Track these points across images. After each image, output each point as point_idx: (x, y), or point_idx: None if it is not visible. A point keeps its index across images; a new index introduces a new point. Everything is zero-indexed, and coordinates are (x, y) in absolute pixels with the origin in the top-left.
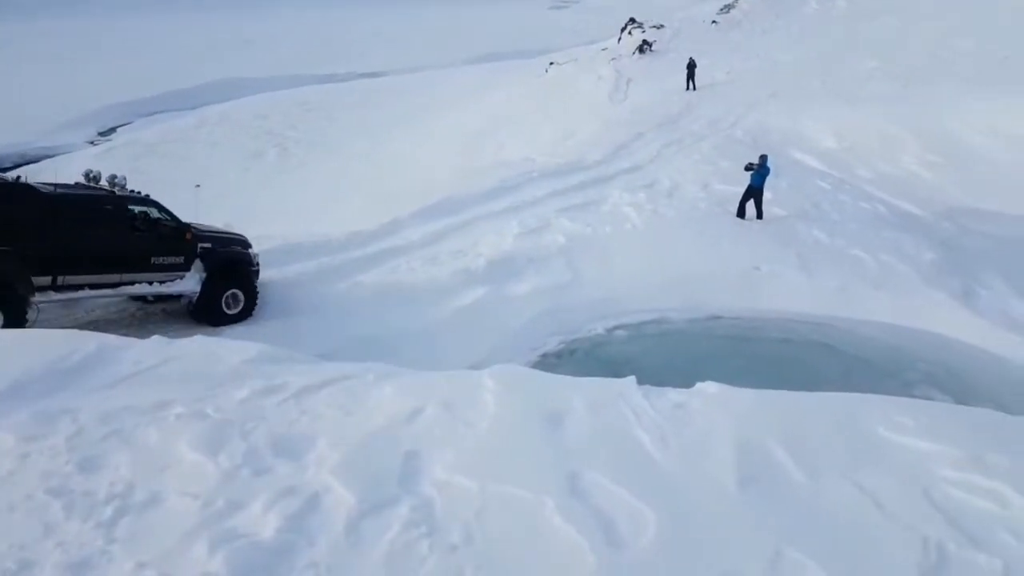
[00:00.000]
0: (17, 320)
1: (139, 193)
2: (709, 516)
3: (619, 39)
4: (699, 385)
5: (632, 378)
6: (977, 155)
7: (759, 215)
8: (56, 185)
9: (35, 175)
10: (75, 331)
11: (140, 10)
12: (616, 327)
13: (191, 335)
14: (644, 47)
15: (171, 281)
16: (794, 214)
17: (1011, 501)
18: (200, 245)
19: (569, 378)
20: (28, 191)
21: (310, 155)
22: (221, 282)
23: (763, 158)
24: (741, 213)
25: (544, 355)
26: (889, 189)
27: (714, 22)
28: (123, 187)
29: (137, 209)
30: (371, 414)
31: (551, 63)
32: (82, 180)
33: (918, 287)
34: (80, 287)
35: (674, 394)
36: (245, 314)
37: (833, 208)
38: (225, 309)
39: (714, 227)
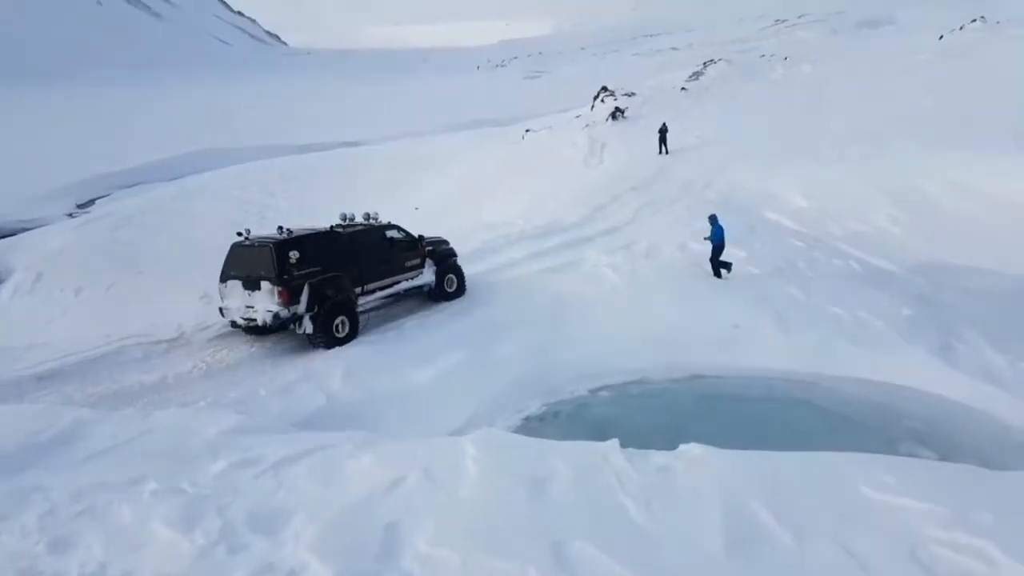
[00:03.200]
0: (354, 325)
1: (386, 221)
2: None
3: (592, 106)
4: (683, 447)
5: (615, 441)
6: (943, 211)
7: (715, 272)
8: (334, 226)
9: (13, 249)
10: (50, 406)
11: (117, 82)
12: (599, 388)
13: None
14: (617, 114)
15: (417, 276)
16: (769, 272)
17: (997, 560)
18: (426, 248)
19: (552, 442)
20: (335, 234)
21: (289, 224)
22: (443, 271)
23: (711, 218)
24: (717, 274)
25: (527, 418)
26: (861, 246)
27: (683, 89)
28: (376, 219)
29: (388, 232)
30: (350, 485)
31: (527, 130)
32: (339, 220)
33: (896, 343)
34: (373, 291)
35: (658, 457)
36: (460, 292)
37: (808, 266)
38: (447, 289)
39: (692, 286)
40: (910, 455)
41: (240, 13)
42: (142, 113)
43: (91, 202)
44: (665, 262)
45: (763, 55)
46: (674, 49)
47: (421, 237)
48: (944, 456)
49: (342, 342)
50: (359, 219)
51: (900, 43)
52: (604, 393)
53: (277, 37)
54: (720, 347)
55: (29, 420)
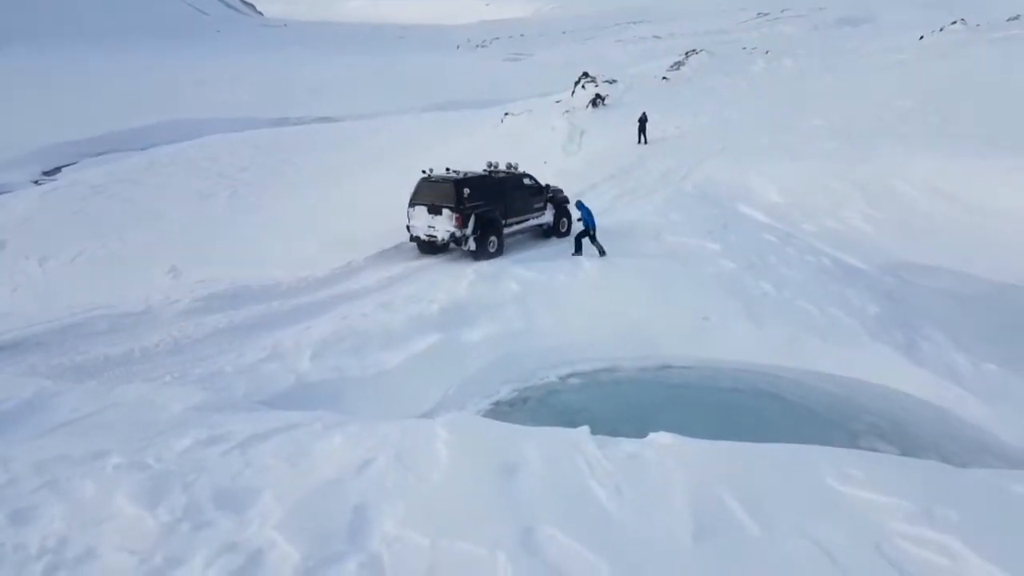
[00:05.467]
0: (501, 246)
1: (524, 171)
2: (665, 570)
3: (573, 92)
4: (652, 435)
5: (586, 428)
6: (916, 211)
7: (577, 249)
8: (491, 171)
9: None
10: (11, 376)
11: (89, 48)
12: (569, 375)
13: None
14: (597, 101)
15: (540, 216)
16: (742, 266)
17: (961, 555)
18: (548, 194)
19: (523, 428)
20: (492, 177)
21: (263, 197)
22: (559, 214)
23: (578, 204)
24: (578, 250)
25: (497, 403)
26: (834, 243)
27: (664, 78)
28: (516, 168)
29: (525, 179)
30: (319, 465)
31: (506, 114)
32: (485, 167)
33: (863, 339)
34: (512, 224)
35: (628, 444)
36: (568, 231)
37: (780, 261)
38: (560, 229)
39: (665, 278)
40: (872, 450)
41: None
42: (114, 80)
43: (57, 170)
44: (640, 253)
45: (744, 47)
46: (656, 37)
47: (547, 186)
48: (906, 452)
49: (493, 256)
50: (502, 168)
51: (880, 42)
52: (574, 380)
53: (253, 7)
54: (690, 338)
55: None
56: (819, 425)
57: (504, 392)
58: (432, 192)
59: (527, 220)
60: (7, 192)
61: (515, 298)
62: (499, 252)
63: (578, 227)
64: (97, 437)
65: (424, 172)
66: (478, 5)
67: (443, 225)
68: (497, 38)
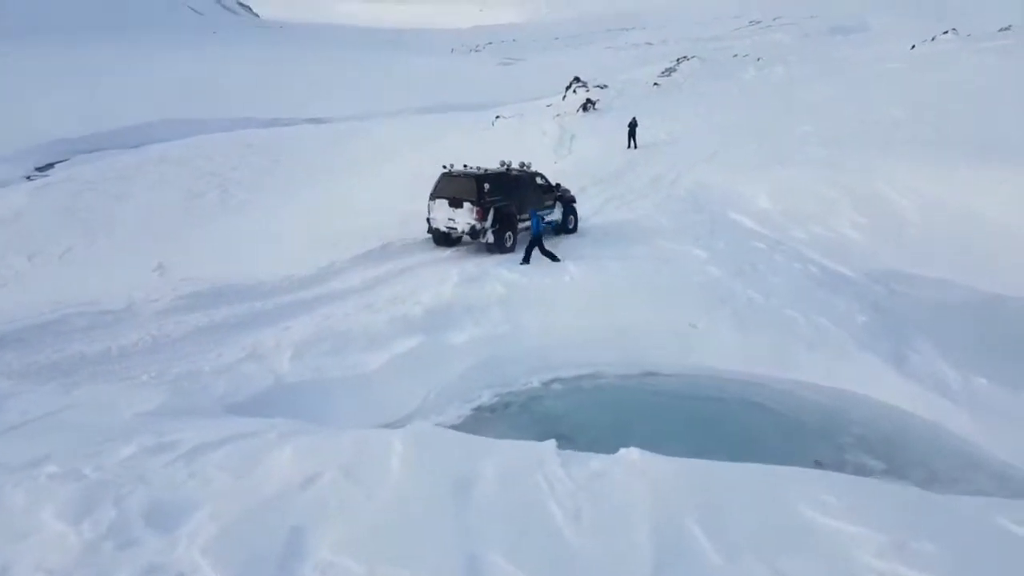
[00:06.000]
0: (515, 240)
1: (536, 170)
2: None
3: (564, 96)
4: (622, 451)
5: (552, 442)
6: (906, 220)
7: (526, 259)
8: (507, 169)
9: None
10: None
11: (84, 45)
12: (552, 380)
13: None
14: (588, 105)
15: (550, 213)
16: (730, 273)
17: None
18: (557, 193)
19: (485, 441)
20: (509, 175)
21: (252, 197)
22: (567, 212)
23: (531, 212)
24: (527, 259)
25: (478, 408)
26: (822, 251)
27: (655, 84)
28: (528, 167)
29: (536, 178)
30: (263, 479)
31: (497, 117)
32: (498, 166)
33: (851, 350)
34: (525, 219)
35: (595, 461)
36: (575, 229)
37: (768, 269)
38: (568, 226)
39: (652, 283)
40: (858, 463)
41: None
42: (108, 78)
43: (50, 166)
44: (626, 258)
45: (736, 55)
46: (648, 44)
47: (558, 185)
48: (892, 467)
49: (508, 251)
50: (514, 167)
51: (872, 51)
52: (556, 386)
53: (249, 8)
54: (676, 345)
55: None
56: (805, 437)
57: (486, 397)
58: (453, 186)
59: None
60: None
61: (500, 301)
62: (513, 247)
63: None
64: (41, 443)
65: (444, 167)
66: (472, 10)
67: (463, 218)
68: (490, 42)
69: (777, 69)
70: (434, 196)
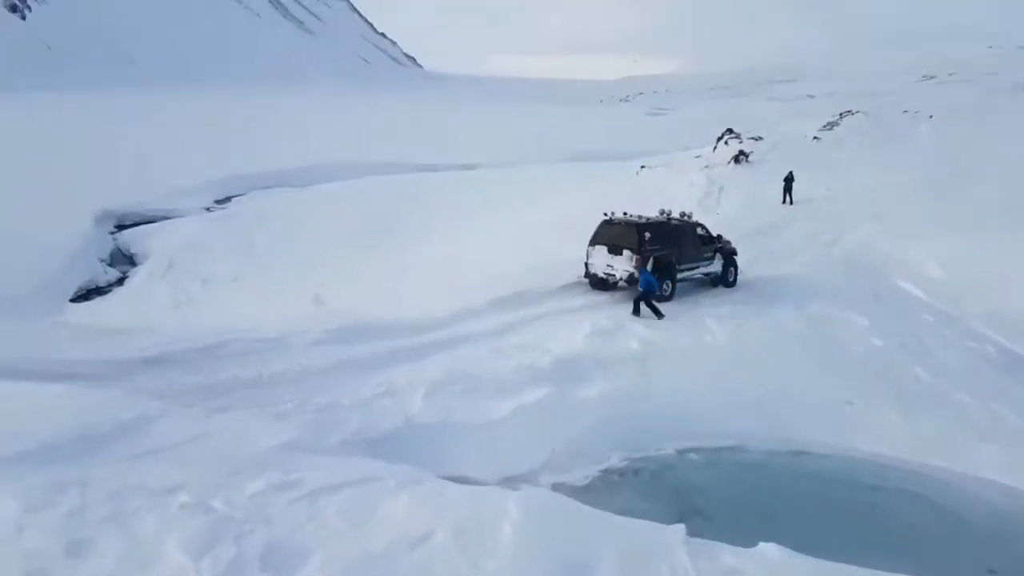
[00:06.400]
0: (673, 290)
1: (696, 220)
2: None
3: (715, 148)
4: (761, 546)
5: (680, 528)
6: None
7: (635, 308)
8: (667, 218)
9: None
10: (125, 395)
11: (266, 90)
12: (688, 449)
13: None
14: (740, 157)
15: (709, 265)
16: (893, 346)
17: None
18: (718, 244)
19: (606, 518)
20: (669, 224)
21: (402, 236)
22: (727, 264)
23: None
24: (636, 311)
25: (606, 471)
26: (1000, 328)
27: (815, 138)
28: (689, 216)
29: (697, 228)
30: (377, 531)
31: (642, 166)
32: (657, 214)
33: None
34: (683, 270)
35: (729, 556)
36: (734, 282)
37: (937, 344)
38: (727, 279)
39: (804, 351)
40: None
41: (383, 35)
42: (284, 122)
43: (228, 199)
44: (776, 321)
45: (906, 110)
46: (810, 97)
47: (719, 236)
48: None
49: (666, 300)
50: (674, 216)
51: None
52: (693, 456)
53: (414, 60)
54: (829, 423)
55: (99, 408)
56: (976, 541)
57: (614, 460)
58: (613, 233)
59: (697, 268)
60: (181, 216)
61: (634, 357)
62: (671, 296)
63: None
64: (178, 469)
65: (605, 215)
66: (625, 62)
67: (622, 265)
68: (641, 93)
69: (953, 127)
70: (594, 242)
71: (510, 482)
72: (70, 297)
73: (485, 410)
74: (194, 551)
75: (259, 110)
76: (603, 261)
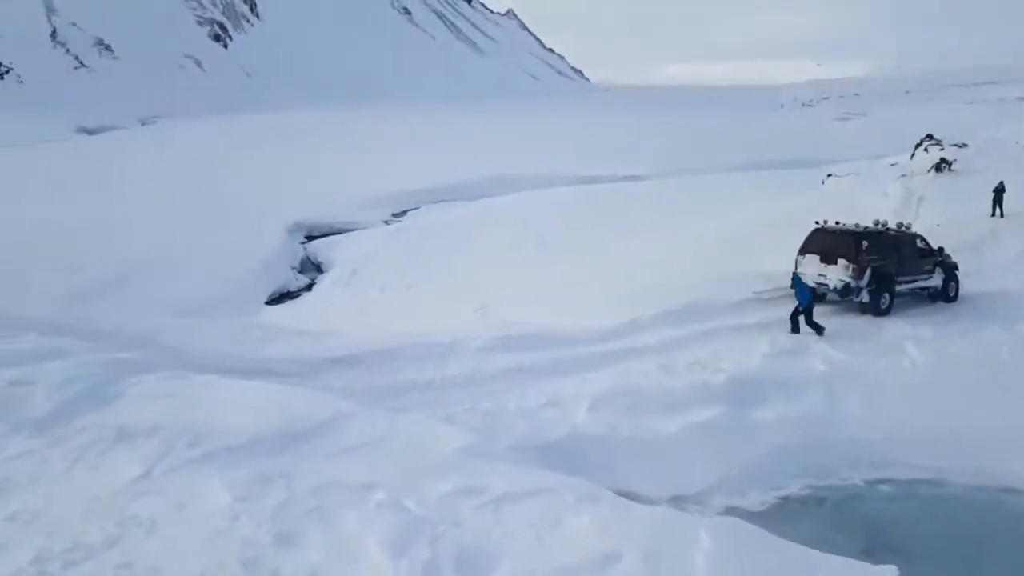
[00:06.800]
0: (891, 303)
1: (915, 231)
2: None
3: (912, 155)
4: None
5: (892, 568)
6: None
7: (794, 326)
8: (884, 229)
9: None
10: (320, 394)
11: (440, 109)
12: (879, 480)
13: None
14: (942, 165)
15: (929, 279)
16: None
17: None
18: (938, 258)
19: (809, 554)
20: (888, 234)
21: (564, 247)
22: (947, 279)
23: (794, 276)
24: (797, 327)
25: (784, 498)
26: None
27: None
28: (908, 227)
29: (916, 239)
30: (563, 546)
31: (828, 175)
32: (870, 224)
33: None
34: (901, 283)
35: None
36: (955, 297)
37: None
38: (948, 293)
39: (1015, 379)
40: None
41: (551, 50)
42: (453, 138)
43: (403, 213)
44: (987, 344)
45: None
46: (1020, 99)
47: (940, 248)
48: None
49: (883, 313)
50: (891, 227)
51: None
52: (884, 488)
53: (581, 73)
54: None
55: (298, 406)
56: None
57: (794, 487)
58: (827, 242)
59: (915, 281)
60: (363, 228)
61: (819, 379)
62: (888, 311)
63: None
64: (371, 467)
65: (817, 223)
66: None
67: (836, 275)
68: (826, 97)
69: None
70: (804, 251)
71: (679, 501)
72: (265, 300)
73: (653, 426)
74: (392, 550)
75: (433, 127)
76: (815, 270)
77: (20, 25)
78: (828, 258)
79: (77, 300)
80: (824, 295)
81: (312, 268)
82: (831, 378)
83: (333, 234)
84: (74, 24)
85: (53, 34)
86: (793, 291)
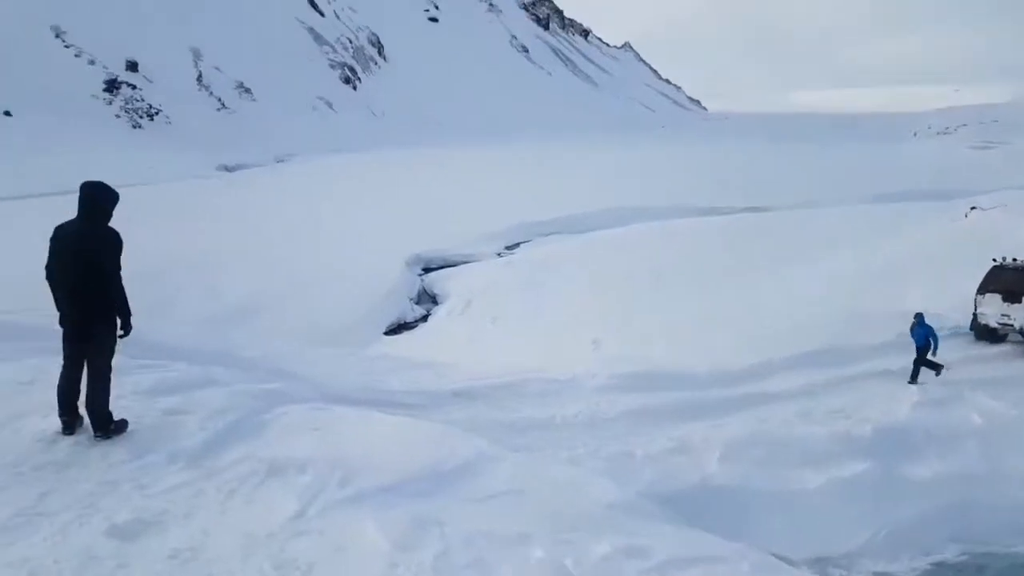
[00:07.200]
0: None
1: None
2: None
3: None
4: None
5: None
6: None
7: (913, 377)
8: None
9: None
10: (456, 434)
11: (557, 142)
12: None
13: None
14: None
15: None
16: None
17: None
18: None
19: None
20: None
21: (682, 283)
22: None
23: (917, 316)
24: (913, 379)
25: (939, 564)
26: None
27: None
28: None
29: None
30: None
31: (972, 207)
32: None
33: None
34: None
35: None
36: None
37: None
38: None
39: None
40: None
41: (667, 81)
42: (568, 170)
43: (516, 245)
44: None
45: None
46: None
47: None
48: None
49: None
50: None
51: None
52: None
53: (698, 103)
54: None
55: (440, 444)
56: None
57: (950, 553)
58: (1009, 280)
59: None
60: (477, 261)
61: (976, 433)
62: None
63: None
64: (521, 517)
65: (995, 260)
66: (945, 91)
67: (1022, 315)
68: (964, 124)
69: None
70: (983, 289)
71: (822, 564)
72: (383, 330)
73: (792, 479)
74: None
75: (548, 160)
76: (996, 310)
77: (170, 70)
78: (1012, 296)
79: (215, 325)
80: (1005, 335)
81: (428, 300)
82: (988, 432)
83: (448, 266)
84: (217, 68)
85: (199, 78)
86: (918, 333)
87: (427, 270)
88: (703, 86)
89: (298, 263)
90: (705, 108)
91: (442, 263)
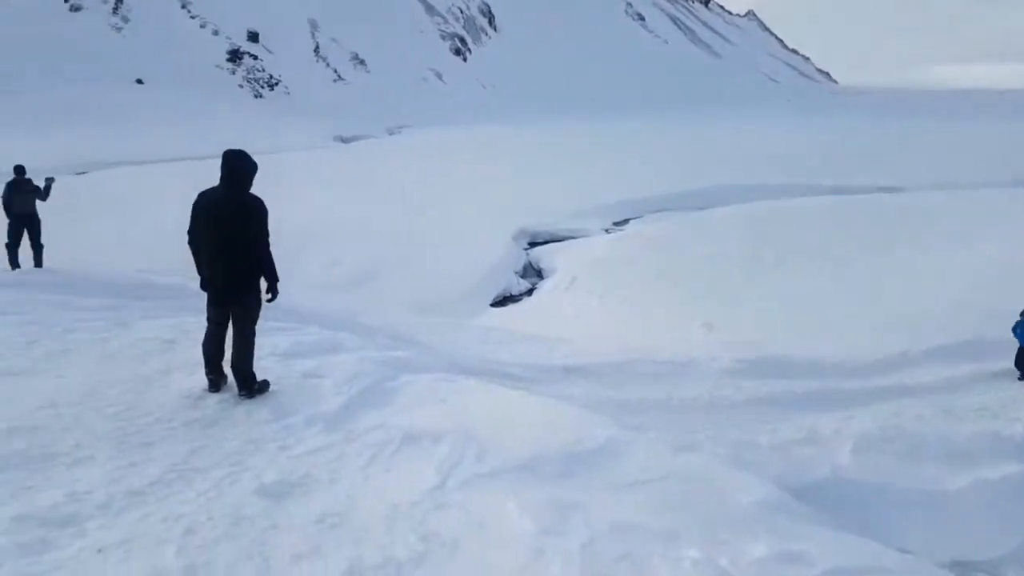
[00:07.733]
0: None
1: None
2: None
3: None
4: None
5: None
6: None
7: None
8: None
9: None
10: (587, 413)
11: (676, 115)
12: None
13: None
14: None
15: None
16: None
17: None
18: None
19: None
20: None
21: (804, 268)
22: None
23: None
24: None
25: None
26: None
27: None
28: None
29: None
30: None
31: None
32: None
33: None
34: None
35: None
36: None
37: None
38: None
39: None
40: None
41: (794, 51)
42: (687, 145)
43: (625, 221)
44: None
45: None
46: None
47: None
48: None
49: None
50: None
51: None
52: None
53: (828, 75)
54: None
55: (567, 426)
56: None
57: None
58: None
59: None
60: (584, 236)
61: None
62: None
63: None
64: (668, 511)
65: None
66: None
67: None
68: None
69: None
70: None
71: (962, 568)
72: (490, 303)
73: (932, 478)
74: None
75: (663, 134)
76: None
77: (289, 41)
78: None
79: (333, 291)
80: None
81: (533, 273)
82: None
83: (555, 241)
84: (334, 40)
85: (316, 49)
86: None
87: (533, 244)
88: (833, 57)
89: (409, 234)
90: (835, 81)
91: (548, 237)
